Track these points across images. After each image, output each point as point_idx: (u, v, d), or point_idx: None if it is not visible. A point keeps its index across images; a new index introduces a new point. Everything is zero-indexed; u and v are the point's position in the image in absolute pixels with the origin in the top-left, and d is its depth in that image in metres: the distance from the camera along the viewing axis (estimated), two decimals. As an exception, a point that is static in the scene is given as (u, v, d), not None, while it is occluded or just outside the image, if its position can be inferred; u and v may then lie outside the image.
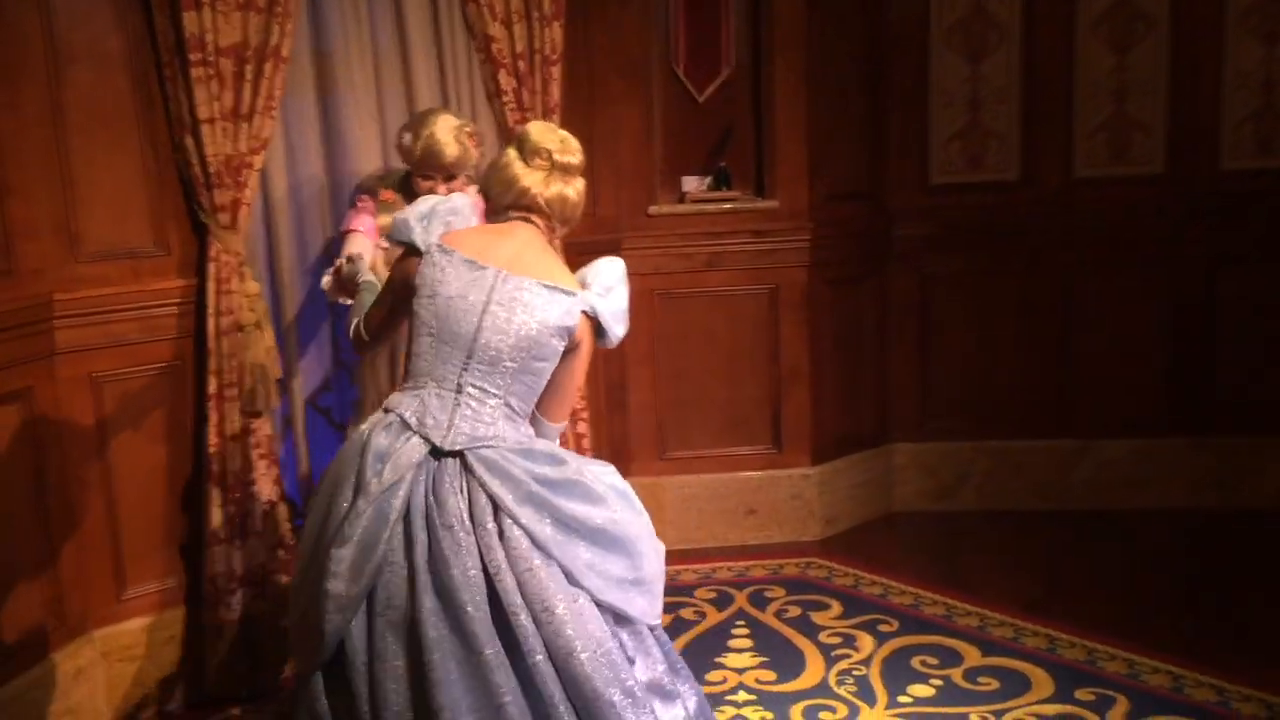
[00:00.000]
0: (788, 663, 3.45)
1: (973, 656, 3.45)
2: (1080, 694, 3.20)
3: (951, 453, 4.67)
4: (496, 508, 2.21)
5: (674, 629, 3.70)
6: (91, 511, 3.20)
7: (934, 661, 3.43)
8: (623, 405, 4.38)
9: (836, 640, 3.57)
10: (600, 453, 4.27)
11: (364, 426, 2.33)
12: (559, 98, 3.86)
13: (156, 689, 3.31)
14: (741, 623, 3.73)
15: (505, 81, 3.74)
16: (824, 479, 4.47)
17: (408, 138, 3.19)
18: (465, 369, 2.27)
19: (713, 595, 3.96)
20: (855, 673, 3.38)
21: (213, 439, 3.26)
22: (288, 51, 3.26)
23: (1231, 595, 3.83)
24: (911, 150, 4.55)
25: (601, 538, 2.26)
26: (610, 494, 2.30)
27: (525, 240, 2.35)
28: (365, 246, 3.12)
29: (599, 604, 2.24)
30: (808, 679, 3.35)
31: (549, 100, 3.84)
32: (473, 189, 3.26)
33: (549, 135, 2.37)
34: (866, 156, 4.51)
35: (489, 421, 2.26)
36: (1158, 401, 4.56)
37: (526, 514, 2.20)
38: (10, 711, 2.94)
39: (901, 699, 3.23)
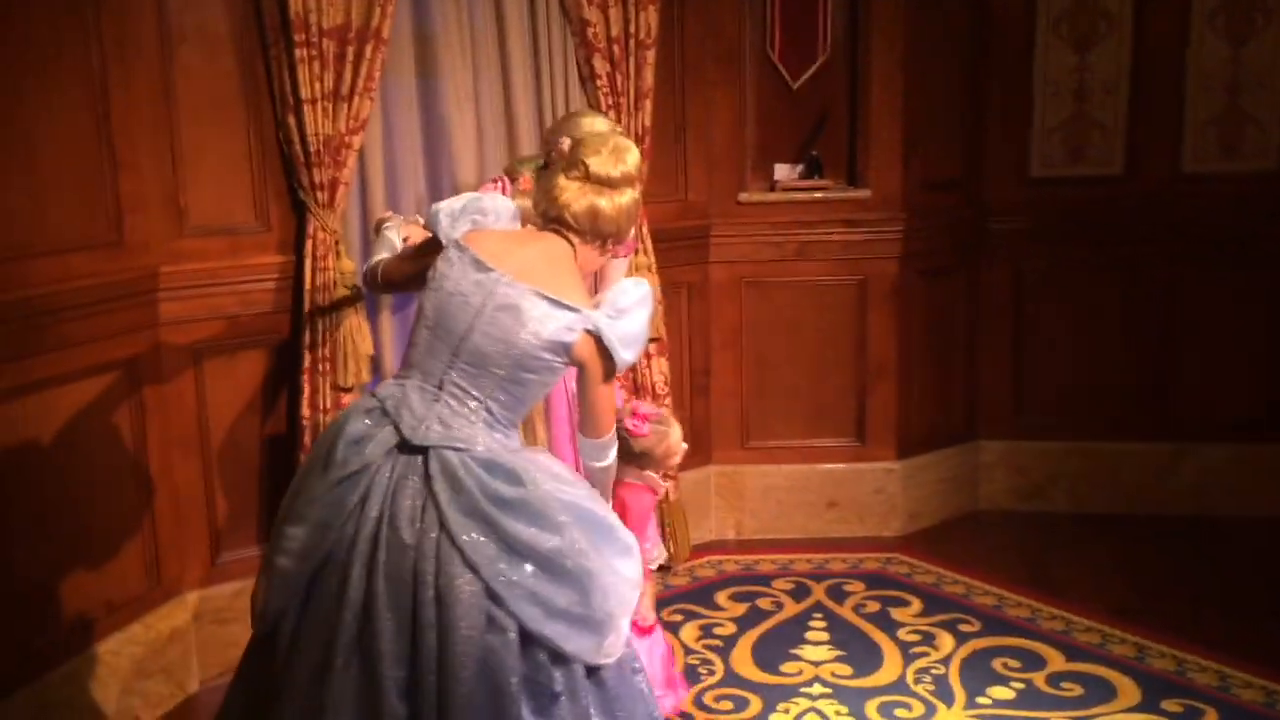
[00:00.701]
0: (865, 658, 3.41)
1: (1056, 661, 3.38)
2: (1168, 705, 3.11)
3: (1042, 452, 4.56)
4: (441, 515, 2.13)
5: (750, 618, 3.70)
6: (189, 478, 3.31)
7: (1016, 664, 3.36)
8: (706, 391, 4.37)
9: (915, 638, 3.52)
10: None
11: (347, 408, 2.35)
12: (652, 82, 3.86)
13: (241, 652, 3.40)
14: (819, 615, 3.70)
15: (599, 66, 3.75)
16: (908, 474, 4.40)
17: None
18: (451, 366, 2.24)
19: (790, 586, 3.94)
20: (934, 671, 3.33)
21: (305, 411, 3.35)
22: (388, 33, 3.32)
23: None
24: (1011, 141, 4.44)
25: (550, 565, 2.13)
26: (571, 522, 2.16)
27: (545, 251, 2.30)
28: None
29: (531, 635, 2.11)
30: (885, 675, 3.32)
31: (642, 85, 3.84)
32: None
33: (593, 144, 2.33)
34: (963, 146, 4.41)
35: (465, 423, 2.21)
36: (1262, 406, 4.39)
37: (466, 528, 2.11)
38: (107, 666, 3.06)
39: (980, 700, 3.17)
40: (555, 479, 2.25)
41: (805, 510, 4.39)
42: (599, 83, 3.76)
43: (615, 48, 3.76)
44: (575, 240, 2.32)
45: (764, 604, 3.81)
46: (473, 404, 2.23)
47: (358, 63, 3.27)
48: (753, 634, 3.60)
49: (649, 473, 2.91)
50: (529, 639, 2.12)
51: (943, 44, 4.26)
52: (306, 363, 3.34)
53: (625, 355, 2.23)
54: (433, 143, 3.68)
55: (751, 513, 4.41)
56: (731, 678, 3.33)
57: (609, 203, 2.29)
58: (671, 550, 4.07)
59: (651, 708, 2.32)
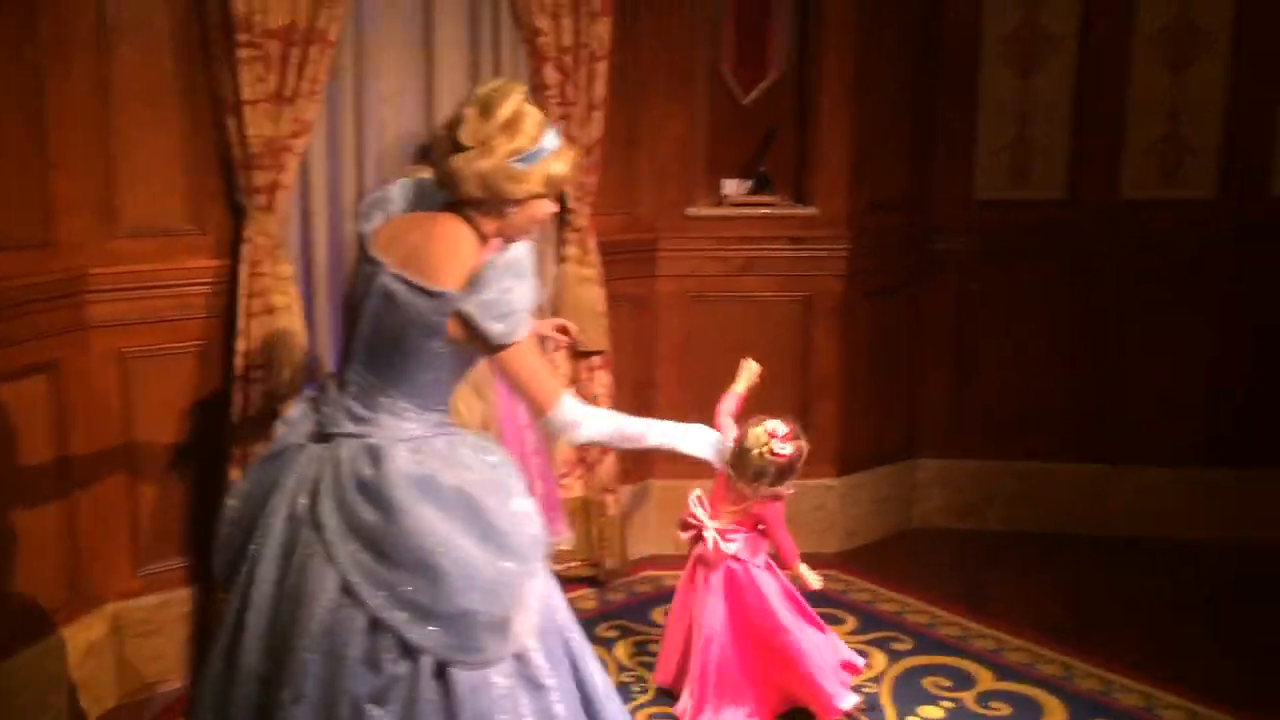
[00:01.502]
0: (799, 676, 3.42)
1: (986, 680, 3.41)
2: (1094, 727, 3.16)
3: (979, 471, 4.62)
4: (316, 495, 2.22)
5: (687, 634, 3.68)
6: (112, 486, 3.23)
7: (946, 683, 3.39)
8: (650, 404, 4.35)
9: (851, 657, 3.53)
10: (623, 452, 4.25)
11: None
12: (603, 94, 3.84)
13: (166, 664, 3.34)
14: (755, 632, 3.70)
15: (550, 76, 3.72)
16: (847, 491, 4.43)
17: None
18: (355, 359, 2.29)
19: (728, 602, 3.93)
20: (865, 690, 3.34)
21: (236, 420, 3.28)
22: (334, 36, 3.26)
23: (1259, 634, 3.75)
24: (957, 163, 4.48)
25: (391, 551, 2.14)
26: (426, 511, 2.15)
27: (430, 232, 2.25)
28: None
29: (381, 622, 2.13)
30: (818, 694, 3.32)
31: (594, 96, 3.82)
32: None
33: (464, 109, 2.24)
34: (911, 167, 4.45)
35: (369, 413, 2.25)
36: (1196, 431, 4.48)
37: (330, 509, 2.19)
38: (21, 680, 2.97)
39: (910, 719, 3.20)
40: (449, 464, 2.23)
41: (745, 525, 4.39)
42: (549, 93, 3.73)
43: (567, 58, 3.74)
44: (472, 213, 2.27)
45: (701, 620, 3.80)
46: (376, 395, 2.27)
47: (302, 65, 3.21)
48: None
49: (779, 488, 3.04)
50: (378, 622, 2.14)
51: (891, 66, 4.29)
52: (239, 369, 3.27)
53: (495, 327, 2.17)
54: (366, 148, 3.62)
55: (692, 527, 4.40)
56: (663, 696, 3.32)
57: (464, 162, 2.20)
58: (608, 565, 4.06)
59: None
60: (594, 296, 3.90)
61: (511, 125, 2.22)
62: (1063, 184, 4.43)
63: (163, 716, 3.21)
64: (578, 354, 3.94)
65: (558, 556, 3.96)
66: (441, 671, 2.16)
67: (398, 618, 2.13)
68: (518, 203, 2.26)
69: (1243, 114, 4.30)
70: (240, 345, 3.27)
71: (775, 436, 2.97)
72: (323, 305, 3.52)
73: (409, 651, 2.14)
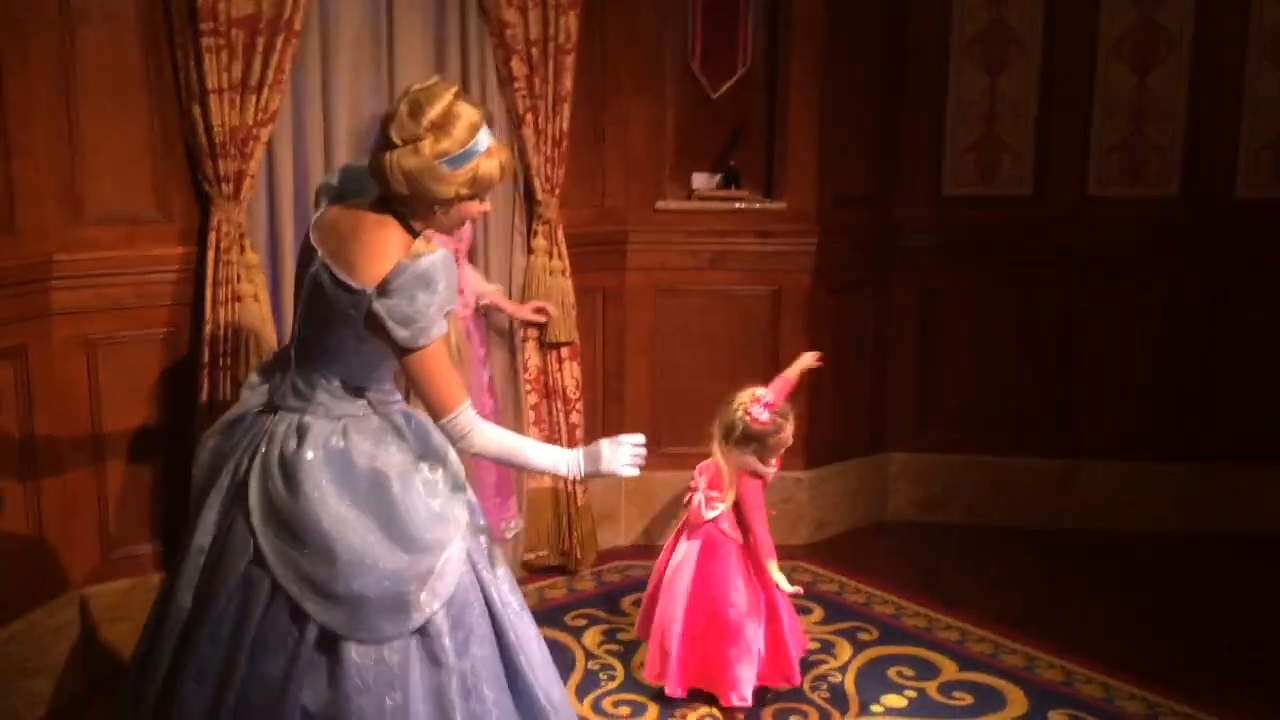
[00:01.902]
0: (763, 665, 3.44)
1: (950, 670, 3.45)
2: (1054, 715, 3.19)
3: (945, 465, 4.66)
4: (250, 467, 2.35)
5: (653, 624, 3.70)
6: (80, 472, 3.22)
7: (910, 673, 3.42)
8: (619, 396, 4.38)
9: (815, 645, 3.56)
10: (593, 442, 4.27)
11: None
12: (571, 87, 3.85)
13: (133, 650, 3.32)
14: (721, 622, 3.73)
15: (518, 68, 3.74)
16: (815, 484, 4.46)
17: None
18: (298, 341, 2.39)
19: (695, 593, 3.96)
20: (830, 679, 3.37)
21: (203, 408, 3.27)
22: (300, 25, 3.27)
23: (1218, 623, 3.81)
24: (924, 160, 4.53)
25: (298, 529, 2.26)
26: (320, 489, 2.25)
27: (359, 224, 2.29)
28: None
29: (284, 592, 2.26)
30: (782, 682, 3.35)
31: (561, 89, 3.84)
32: None
33: (398, 105, 2.25)
34: (878, 164, 4.48)
35: (310, 390, 2.36)
36: (1156, 425, 4.54)
37: (254, 480, 2.32)
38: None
39: (874, 708, 3.23)
40: (373, 445, 2.32)
41: (714, 518, 4.41)
42: (516, 85, 3.75)
43: (534, 50, 3.75)
44: (402, 208, 2.29)
45: (668, 610, 3.82)
46: (314, 374, 2.36)
47: (268, 54, 3.22)
48: (656, 640, 3.60)
49: (753, 459, 3.12)
50: (277, 586, 2.27)
51: (860, 63, 4.33)
52: (206, 357, 3.27)
53: (399, 332, 2.20)
54: (333, 138, 3.61)
55: (662, 519, 4.43)
56: (630, 684, 3.34)
57: (393, 159, 2.22)
58: (578, 555, 4.07)
59: (391, 705, 2.25)
60: (563, 288, 3.92)
61: (440, 126, 2.22)
62: (1029, 181, 4.47)
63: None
64: (546, 345, 3.96)
65: (528, 545, 4.01)
66: (334, 641, 2.25)
67: (294, 590, 2.26)
68: (444, 203, 2.27)
69: (1206, 114, 4.36)
70: (207, 333, 3.27)
71: (757, 401, 3.09)
72: (290, 293, 3.51)
73: (299, 617, 2.26)
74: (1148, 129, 4.39)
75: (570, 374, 4.01)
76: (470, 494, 2.49)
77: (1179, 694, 3.29)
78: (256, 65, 3.20)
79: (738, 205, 4.29)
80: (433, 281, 2.21)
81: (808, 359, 3.43)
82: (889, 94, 4.46)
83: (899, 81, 4.46)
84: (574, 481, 2.67)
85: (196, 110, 3.19)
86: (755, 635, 3.18)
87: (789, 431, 3.19)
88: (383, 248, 2.25)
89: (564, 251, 3.93)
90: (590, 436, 4.12)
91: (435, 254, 2.23)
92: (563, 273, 3.92)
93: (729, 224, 4.29)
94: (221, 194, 3.23)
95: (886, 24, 4.39)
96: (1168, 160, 4.40)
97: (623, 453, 2.44)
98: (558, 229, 3.92)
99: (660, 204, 4.29)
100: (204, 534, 2.38)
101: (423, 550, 2.28)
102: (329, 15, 3.44)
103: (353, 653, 2.25)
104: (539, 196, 3.85)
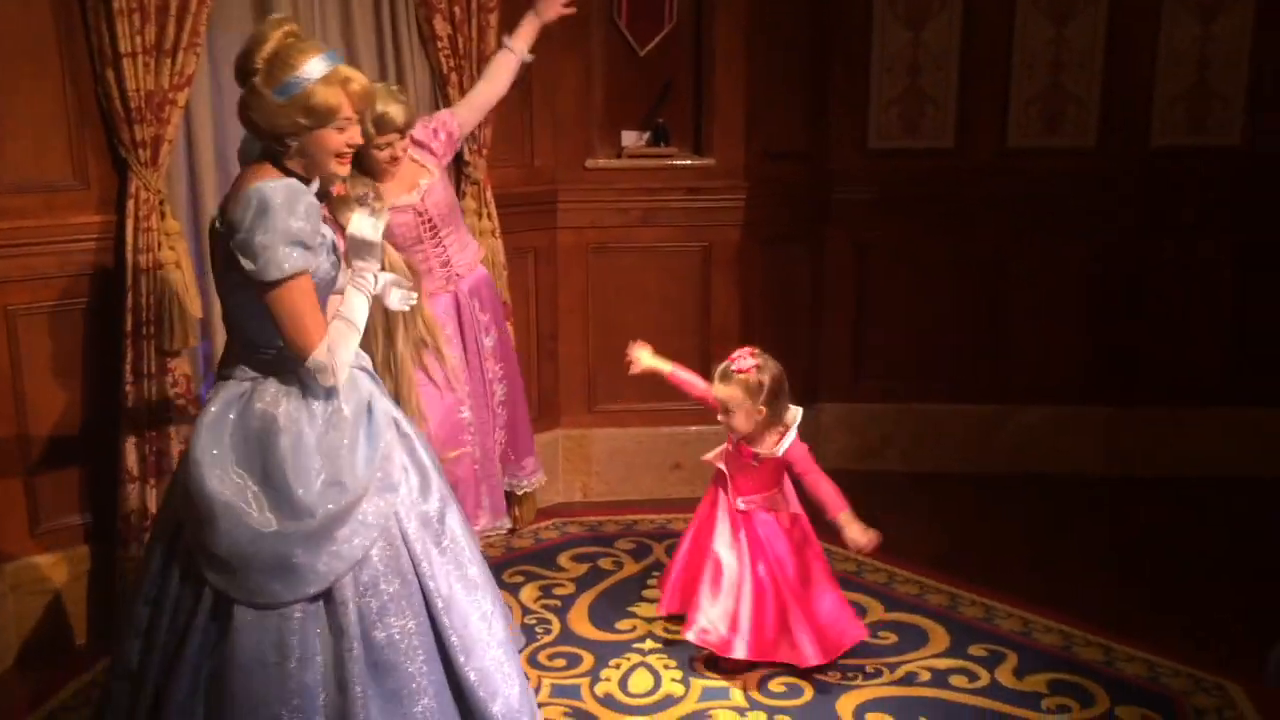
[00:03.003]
0: (697, 613, 3.52)
1: (877, 611, 3.55)
2: (974, 649, 3.31)
3: (878, 414, 4.75)
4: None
5: (590, 578, 3.78)
6: (4, 445, 3.20)
7: (839, 615, 3.52)
8: (553, 355, 4.41)
9: (747, 593, 3.63)
10: (530, 402, 4.30)
11: None
12: (495, 45, 3.83)
13: (66, 624, 3.33)
14: (658, 574, 3.78)
15: (440, 27, 3.72)
16: (750, 436, 4.52)
17: None
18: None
19: (632, 546, 4.03)
20: (762, 625, 3.45)
21: (129, 376, 3.26)
22: (215, -13, 3.23)
23: (1133, 560, 3.95)
24: (851, 113, 4.57)
25: (190, 494, 2.33)
26: (206, 454, 2.31)
27: (243, 174, 2.38)
28: None
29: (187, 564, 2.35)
30: (715, 630, 3.43)
31: (485, 48, 3.82)
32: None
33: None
34: (806, 118, 4.52)
35: (229, 356, 2.46)
36: (1082, 369, 4.66)
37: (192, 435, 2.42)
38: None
39: (803, 652, 3.31)
40: (267, 410, 2.34)
41: (651, 472, 4.48)
42: (440, 44, 3.73)
43: (456, 9, 3.73)
44: (278, 155, 2.35)
45: (605, 564, 3.90)
46: (231, 341, 2.45)
47: (181, 16, 3.17)
48: (591, 593, 3.68)
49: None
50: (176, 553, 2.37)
51: (786, 17, 4.34)
52: (129, 326, 3.25)
53: (248, 266, 2.23)
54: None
55: (598, 475, 4.49)
56: (567, 635, 3.40)
57: (242, 105, 2.33)
58: (516, 514, 4.12)
59: (282, 672, 2.27)
60: (493, 248, 3.93)
61: (270, 61, 2.29)
62: (951, 133, 4.54)
63: (63, 675, 3.20)
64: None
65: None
66: (228, 605, 2.28)
67: (189, 545, 2.34)
68: (291, 136, 2.31)
69: (1122, 65, 4.44)
70: (129, 301, 3.25)
71: (733, 359, 3.19)
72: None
73: (196, 580, 2.32)
74: (1065, 80, 4.47)
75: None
76: (408, 461, 2.46)
77: (1093, 625, 3.42)
78: (170, 28, 3.16)
79: (667, 162, 4.31)
80: (267, 208, 2.22)
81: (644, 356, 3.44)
82: (816, 48, 4.49)
83: (825, 35, 4.49)
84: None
85: (110, 75, 3.15)
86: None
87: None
88: (247, 188, 2.29)
89: (493, 212, 3.94)
90: (527, 398, 4.17)
91: (273, 182, 2.26)
92: (493, 233, 3.93)
93: (659, 181, 4.32)
94: (139, 160, 3.20)
95: (811, -23, 4.41)
96: (1085, 111, 4.49)
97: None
98: (486, 189, 3.93)
99: (590, 162, 4.31)
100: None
101: (309, 513, 2.28)
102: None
103: (238, 616, 2.27)
104: (466, 157, 3.84)
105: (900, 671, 3.19)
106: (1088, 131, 4.49)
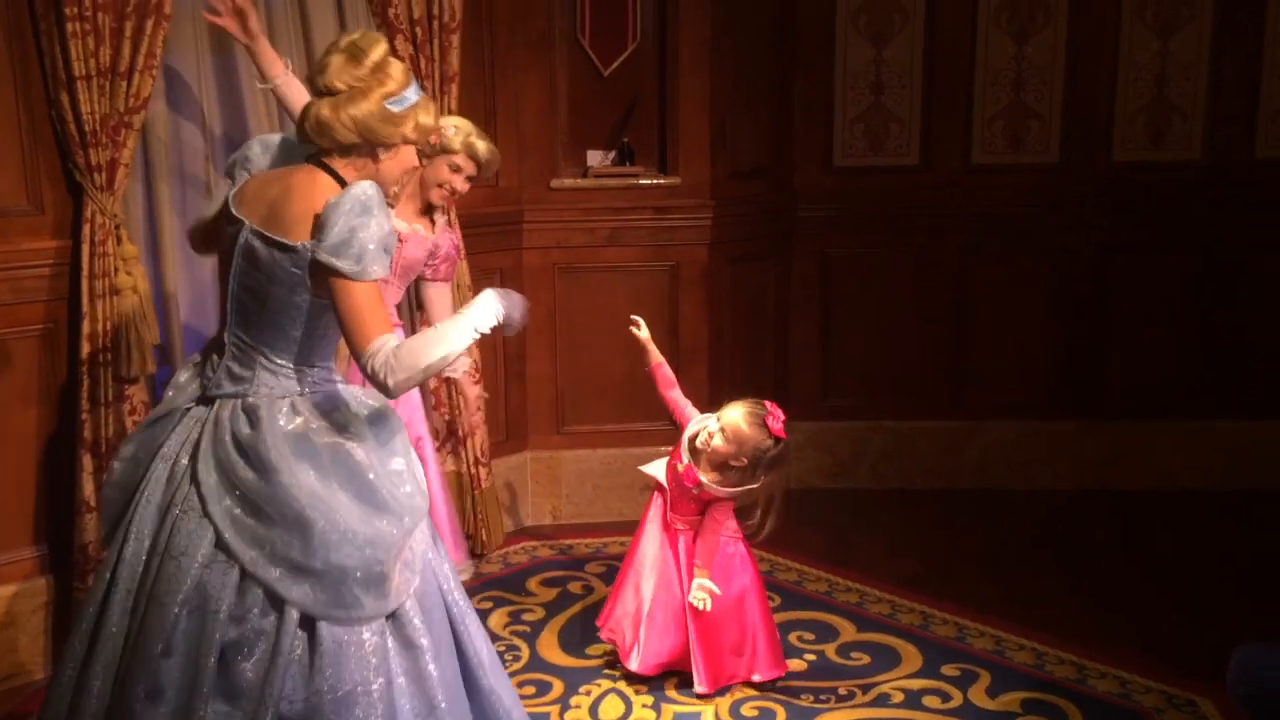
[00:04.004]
0: (668, 637, 3.48)
1: (849, 632, 3.53)
2: (946, 669, 3.29)
3: (848, 432, 4.75)
4: (196, 453, 2.24)
5: (560, 603, 3.73)
6: (-44, 476, 3.12)
7: (810, 637, 3.50)
8: (521, 377, 4.38)
9: (719, 615, 3.61)
10: (497, 424, 4.27)
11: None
12: (458, 66, 3.82)
13: (22, 657, 3.25)
14: (628, 597, 3.76)
15: (402, 48, 3.68)
16: (719, 455, 4.50)
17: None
18: (230, 320, 2.29)
19: (602, 570, 3.99)
20: (734, 647, 3.42)
21: (85, 404, 3.19)
22: (170, 9, 3.17)
23: (1102, 575, 3.96)
24: (816, 131, 4.58)
25: (270, 508, 2.16)
26: (291, 465, 2.15)
27: (289, 186, 2.23)
28: None
29: (253, 577, 2.15)
30: (686, 653, 3.40)
31: (447, 69, 3.80)
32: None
33: (328, 57, 2.23)
34: (771, 136, 4.53)
35: (248, 372, 2.26)
36: (1047, 385, 4.68)
37: (207, 466, 2.21)
38: None
39: (775, 674, 3.29)
40: (327, 421, 2.23)
41: (620, 494, 4.45)
42: (402, 65, 3.69)
43: (418, 29, 3.71)
44: (338, 163, 2.25)
45: (574, 588, 3.85)
46: (252, 354, 2.27)
47: (137, 38, 3.12)
48: (561, 618, 3.63)
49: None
50: (248, 575, 2.16)
51: (749, 36, 4.36)
52: (85, 353, 3.18)
53: (340, 264, 2.12)
54: (230, 125, 3.56)
55: (568, 498, 4.45)
56: (536, 662, 3.36)
57: (334, 108, 2.19)
58: (483, 539, 4.07)
59: (364, 687, 2.17)
60: (459, 270, 3.89)
61: (381, 69, 2.22)
62: (916, 150, 4.57)
63: (20, 710, 3.12)
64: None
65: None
66: (310, 626, 2.17)
67: (271, 574, 2.15)
68: (391, 147, 2.26)
69: (1083, 81, 4.49)
70: (85, 328, 3.18)
71: (773, 412, 3.15)
72: (175, 283, 3.44)
73: (277, 604, 2.16)
74: (1027, 97, 4.51)
75: (470, 354, 3.98)
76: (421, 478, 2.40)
77: (1065, 642, 3.42)
78: (126, 50, 3.11)
79: (633, 181, 4.30)
80: (371, 206, 2.15)
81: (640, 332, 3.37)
82: (780, 66, 4.50)
83: (789, 53, 4.51)
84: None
85: (64, 98, 3.08)
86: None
87: None
88: (319, 199, 2.18)
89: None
90: (493, 419, 4.13)
91: (366, 184, 2.18)
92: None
93: (625, 200, 4.30)
94: (94, 184, 3.14)
95: (774, -5, 4.43)
96: (1047, 127, 4.53)
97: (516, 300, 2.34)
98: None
99: (555, 182, 4.29)
100: (138, 541, 2.24)
101: (395, 517, 2.21)
102: (199, -1, 3.35)
103: (328, 636, 2.15)
104: (430, 178, 3.80)
105: (873, 693, 3.17)
106: (1050, 147, 4.54)
